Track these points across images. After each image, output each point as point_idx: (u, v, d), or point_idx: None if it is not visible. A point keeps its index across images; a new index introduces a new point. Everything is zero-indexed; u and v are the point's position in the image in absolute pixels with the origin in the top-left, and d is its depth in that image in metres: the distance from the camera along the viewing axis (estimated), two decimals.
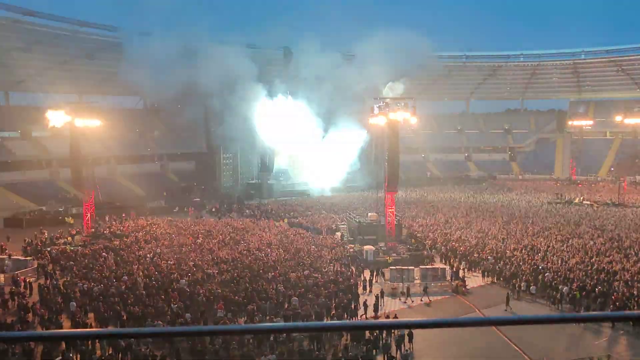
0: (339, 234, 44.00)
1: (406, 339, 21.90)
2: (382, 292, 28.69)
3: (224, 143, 71.61)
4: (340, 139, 73.45)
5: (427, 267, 32.95)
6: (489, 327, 21.04)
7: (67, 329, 22.77)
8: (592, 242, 37.31)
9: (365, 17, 77.04)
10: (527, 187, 75.43)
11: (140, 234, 42.60)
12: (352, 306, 26.64)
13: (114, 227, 45.78)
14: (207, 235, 42.08)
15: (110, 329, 20.96)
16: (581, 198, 61.73)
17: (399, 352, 21.63)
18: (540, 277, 29.90)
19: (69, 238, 41.95)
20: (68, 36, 70.59)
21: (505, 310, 26.89)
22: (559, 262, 32.28)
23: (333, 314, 25.34)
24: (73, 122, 44.10)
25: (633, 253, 34.08)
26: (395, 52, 65.96)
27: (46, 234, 42.39)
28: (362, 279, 31.44)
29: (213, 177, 74.37)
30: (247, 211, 57.22)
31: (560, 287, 27.97)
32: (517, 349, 21.93)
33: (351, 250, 37.80)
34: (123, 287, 28.08)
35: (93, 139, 53.95)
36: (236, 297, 26.49)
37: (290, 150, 77.65)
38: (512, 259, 33.38)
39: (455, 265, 34.03)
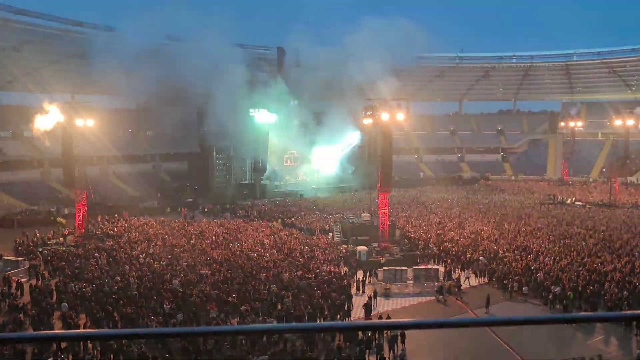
0: (332, 234, 44.01)
1: (399, 339, 21.94)
2: (375, 293, 28.71)
3: (217, 143, 71.50)
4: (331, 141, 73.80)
5: (420, 267, 33.00)
6: (482, 327, 21.11)
7: (58, 330, 22.65)
8: (584, 243, 37.49)
9: (358, 17, 77.15)
10: (519, 188, 75.70)
11: (133, 234, 42.43)
12: (346, 307, 26.63)
13: (106, 228, 45.60)
14: (200, 235, 41.98)
15: (103, 329, 20.92)
16: (573, 199, 62.05)
17: (391, 352, 21.67)
18: (532, 277, 30.02)
19: (61, 238, 41.75)
20: (60, 35, 70.25)
21: (486, 313, 26.86)
22: (551, 262, 32.42)
23: (326, 314, 25.32)
24: (65, 122, 43.92)
25: (624, 254, 34.27)
26: (389, 48, 66.10)
27: (38, 234, 42.12)
28: (356, 279, 31.46)
29: (206, 178, 74.20)
30: (240, 212, 57.11)
31: (552, 287, 28.10)
32: (509, 349, 22.00)
33: (344, 250, 37.81)
34: (115, 287, 27.96)
35: (85, 139, 53.68)
36: (229, 298, 26.44)
37: (283, 151, 77.76)
38: (505, 260, 33.49)
39: (449, 265, 34.17)
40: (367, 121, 46.91)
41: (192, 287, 28.24)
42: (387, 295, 29.80)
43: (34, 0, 70.41)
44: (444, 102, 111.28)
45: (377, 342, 22.07)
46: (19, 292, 28.55)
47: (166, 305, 25.37)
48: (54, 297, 27.70)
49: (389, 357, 21.37)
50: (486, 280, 32.35)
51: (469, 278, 32.29)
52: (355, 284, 30.79)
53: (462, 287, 30.85)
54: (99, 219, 49.12)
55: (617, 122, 75.38)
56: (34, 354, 19.77)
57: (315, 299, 26.35)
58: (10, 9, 63.29)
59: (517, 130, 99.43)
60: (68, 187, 49.93)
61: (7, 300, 26.91)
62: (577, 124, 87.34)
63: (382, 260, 35.05)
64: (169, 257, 34.45)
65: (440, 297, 29.26)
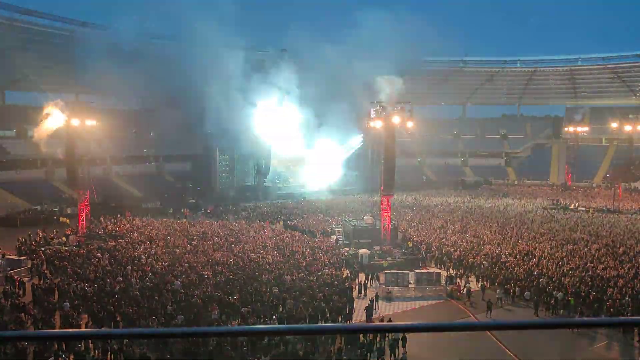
0: (334, 237, 43.97)
1: (400, 343, 21.88)
2: (376, 296, 28.67)
3: (220, 145, 71.57)
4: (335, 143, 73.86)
5: (422, 271, 32.94)
6: (483, 331, 21.05)
7: (60, 329, 22.66)
8: (586, 249, 37.36)
9: (363, 20, 77.08)
10: (522, 193, 75.60)
11: (135, 235, 42.48)
12: (347, 310, 26.57)
13: (108, 228, 45.64)
14: (202, 237, 41.99)
15: (104, 329, 20.93)
16: (576, 204, 61.90)
17: (392, 356, 21.60)
18: (534, 282, 29.91)
19: (63, 238, 41.79)
20: (65, 35, 70.49)
21: (487, 317, 26.78)
22: (554, 267, 32.31)
23: (327, 317, 25.27)
24: (69, 122, 44.08)
25: (627, 260, 34.14)
26: (393, 50, 66.13)
27: (40, 233, 42.19)
28: (357, 282, 31.41)
29: (209, 179, 74.25)
30: (243, 213, 57.10)
31: (554, 292, 27.99)
32: (511, 354, 21.93)
33: (346, 253, 37.77)
34: (117, 288, 27.97)
35: (89, 139, 53.78)
36: (230, 299, 26.42)
37: (286, 153, 77.73)
38: (507, 264, 33.39)
39: (450, 269, 34.10)
40: (372, 124, 46.90)
41: (194, 288, 28.24)
42: (388, 298, 29.73)
43: (40, 0, 70.75)
44: (447, 106, 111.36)
45: (378, 345, 22.02)
46: (21, 291, 28.61)
47: (167, 306, 25.34)
48: (56, 296, 27.73)
49: None
50: (487, 285, 32.20)
51: (467, 279, 32.12)
52: (357, 287, 30.73)
53: (461, 286, 30.87)
54: (102, 219, 49.17)
55: (622, 128, 75.25)
56: (35, 353, 19.78)
57: (316, 302, 26.31)
58: (16, 9, 63.59)
59: (521, 135, 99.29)
60: (71, 187, 50.07)
61: (9, 300, 26.93)
62: (581, 129, 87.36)
63: (384, 263, 35.00)
64: (171, 258, 34.46)
65: (467, 301, 29.18)
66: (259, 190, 71.35)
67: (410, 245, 40.49)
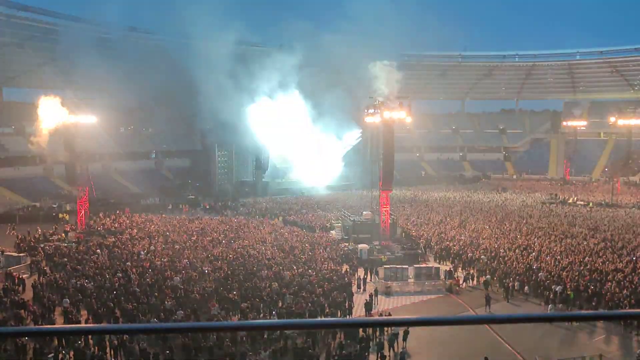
0: (333, 232, 44.00)
1: (401, 337, 21.95)
2: (376, 291, 28.73)
3: (219, 141, 71.49)
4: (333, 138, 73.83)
5: (421, 266, 33.00)
6: (482, 325, 21.12)
7: (59, 325, 22.68)
8: (585, 243, 37.42)
9: (358, 13, 76.72)
10: (521, 187, 75.65)
11: (135, 231, 42.50)
12: (346, 305, 26.62)
13: (108, 224, 45.66)
14: (202, 232, 42.02)
15: (104, 324, 20.93)
16: (575, 198, 61.96)
17: (391, 350, 21.66)
18: (533, 277, 29.97)
19: (63, 235, 41.82)
20: (62, 32, 70.17)
21: (486, 312, 26.86)
22: (553, 262, 32.36)
23: (327, 312, 25.33)
24: (67, 118, 44.01)
25: (626, 253, 34.21)
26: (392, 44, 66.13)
27: (40, 230, 42.19)
28: (357, 277, 31.47)
29: (208, 175, 74.25)
30: (242, 209, 57.15)
31: (553, 286, 28.05)
32: (510, 347, 22.00)
33: (345, 248, 37.81)
34: (117, 284, 28.00)
35: (87, 136, 53.67)
36: (230, 295, 26.46)
37: (284, 149, 77.69)
38: (506, 259, 33.45)
39: (449, 264, 34.17)
40: (370, 119, 46.90)
41: (193, 284, 28.28)
42: (388, 293, 29.80)
43: None
44: (446, 100, 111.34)
45: (377, 340, 22.08)
46: (20, 288, 28.63)
47: (167, 302, 25.39)
48: (56, 292, 27.74)
49: (389, 355, 21.38)
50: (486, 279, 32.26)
51: (472, 275, 32.19)
52: (356, 282, 30.79)
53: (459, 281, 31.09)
54: (101, 215, 49.19)
55: (620, 122, 75.21)
56: (35, 349, 19.81)
57: (316, 297, 26.35)
58: (13, 5, 63.34)
59: (519, 130, 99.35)
60: (70, 184, 50.04)
61: (9, 296, 26.94)
62: (579, 124, 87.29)
63: (384, 258, 35.06)
64: (171, 254, 34.49)
65: (487, 291, 29.08)
66: (257, 185, 71.36)
67: (404, 235, 40.56)
